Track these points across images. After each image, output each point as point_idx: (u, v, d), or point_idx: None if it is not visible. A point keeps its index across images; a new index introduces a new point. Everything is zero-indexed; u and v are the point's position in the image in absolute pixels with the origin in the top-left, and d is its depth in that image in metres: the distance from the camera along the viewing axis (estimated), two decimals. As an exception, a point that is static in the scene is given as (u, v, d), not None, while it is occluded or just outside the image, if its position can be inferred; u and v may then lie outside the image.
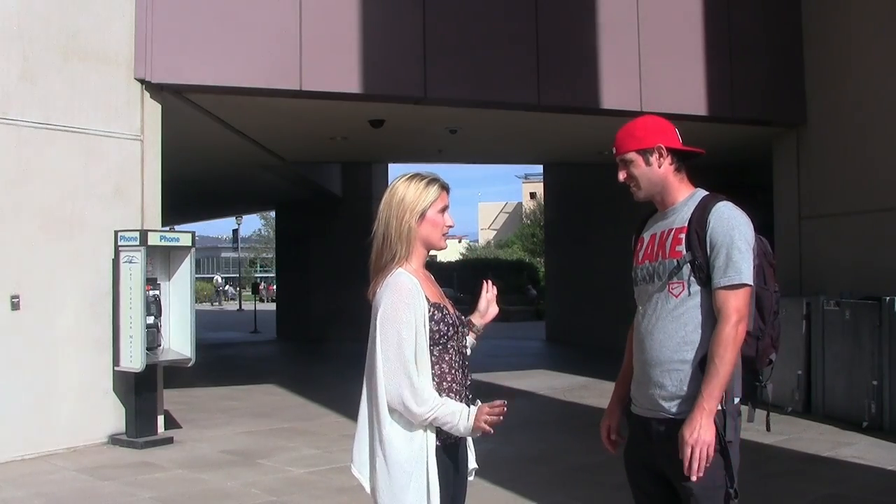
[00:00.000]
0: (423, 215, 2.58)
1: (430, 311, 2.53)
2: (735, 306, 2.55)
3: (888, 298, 7.73)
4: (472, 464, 2.75)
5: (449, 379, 2.57)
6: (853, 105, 9.69)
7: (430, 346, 2.52)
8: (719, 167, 12.16)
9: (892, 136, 9.14)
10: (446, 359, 2.57)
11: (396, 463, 2.45)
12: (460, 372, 2.62)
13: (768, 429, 3.25)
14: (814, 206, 10.34)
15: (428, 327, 2.51)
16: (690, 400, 2.57)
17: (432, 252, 2.79)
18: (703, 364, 2.58)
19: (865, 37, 9.52)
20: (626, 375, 2.91)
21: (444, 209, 2.64)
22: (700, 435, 2.49)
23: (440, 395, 2.53)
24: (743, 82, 10.04)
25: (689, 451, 2.50)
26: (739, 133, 10.78)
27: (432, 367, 2.53)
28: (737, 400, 2.63)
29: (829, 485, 6.05)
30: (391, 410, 2.47)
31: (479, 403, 2.56)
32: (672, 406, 2.63)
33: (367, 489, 2.55)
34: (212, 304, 29.52)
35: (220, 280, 48.05)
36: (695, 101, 9.74)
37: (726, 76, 9.96)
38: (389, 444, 2.46)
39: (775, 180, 11.11)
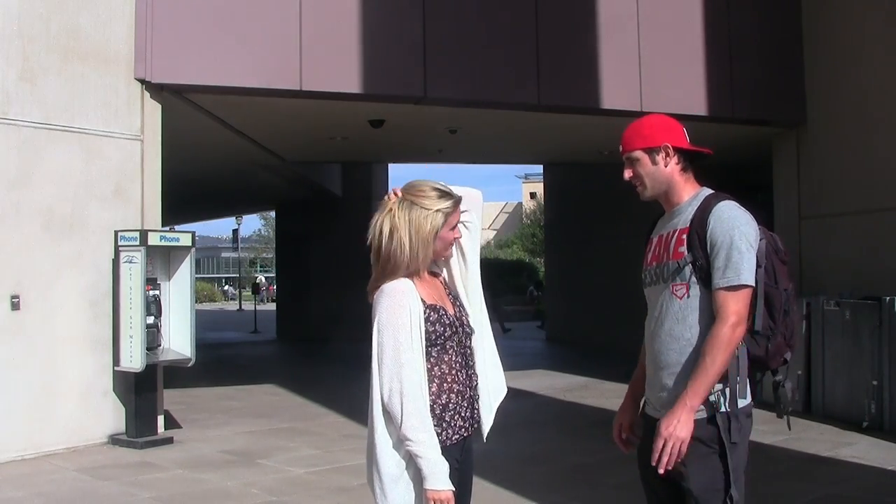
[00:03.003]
0: (437, 234, 2.57)
1: (425, 313, 2.53)
2: (734, 308, 2.50)
3: (888, 298, 7.73)
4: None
5: (450, 380, 2.57)
6: (853, 105, 9.69)
7: (428, 347, 2.53)
8: (719, 167, 12.09)
9: (892, 136, 9.14)
10: (445, 359, 2.57)
11: (386, 466, 2.46)
12: (463, 372, 2.61)
13: (789, 427, 3.16)
14: (814, 206, 10.33)
15: (424, 328, 2.52)
16: None
17: None
18: None
19: (865, 37, 9.52)
20: (641, 374, 2.89)
21: (455, 225, 2.63)
22: (676, 430, 2.47)
23: (441, 396, 2.54)
24: (743, 82, 10.04)
25: (660, 443, 2.48)
26: (739, 133, 10.78)
27: (432, 368, 2.54)
28: (745, 402, 2.59)
29: (829, 485, 6.05)
30: (384, 414, 2.48)
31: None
32: None
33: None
34: (256, 303, 29.36)
35: (262, 279, 47.90)
36: (695, 101, 9.74)
37: (726, 76, 9.96)
38: (380, 447, 2.47)
39: (775, 180, 11.11)
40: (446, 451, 2.50)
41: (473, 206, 2.76)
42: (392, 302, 2.49)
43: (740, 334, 2.51)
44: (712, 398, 2.55)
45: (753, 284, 2.54)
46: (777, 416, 2.78)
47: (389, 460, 2.46)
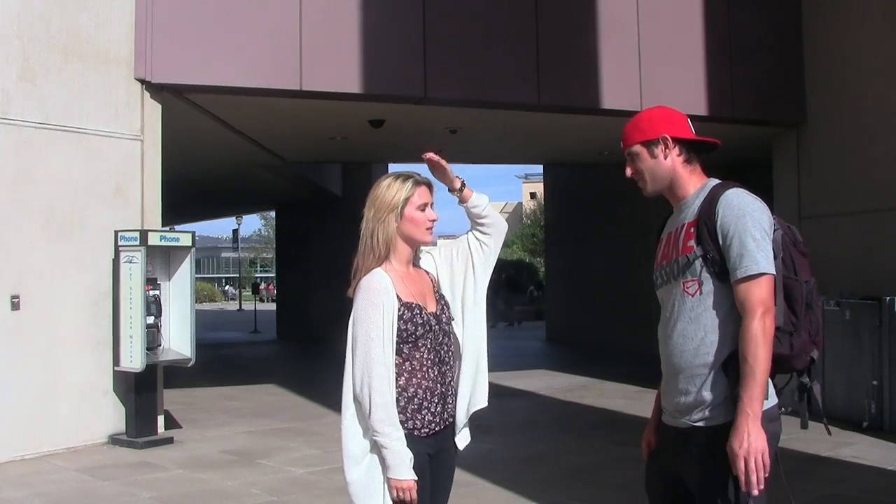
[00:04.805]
0: (401, 214, 2.65)
1: (399, 310, 2.60)
2: (758, 298, 2.31)
3: (888, 298, 7.73)
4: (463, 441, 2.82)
5: (419, 375, 2.64)
6: (853, 105, 9.69)
7: (400, 343, 2.61)
8: (719, 167, 12.12)
9: (892, 136, 9.14)
10: (417, 356, 2.64)
11: (350, 452, 2.61)
12: (434, 369, 2.67)
13: (829, 433, 2.88)
14: (814, 206, 10.34)
15: (396, 326, 2.59)
16: (712, 406, 2.41)
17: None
18: (725, 367, 2.39)
19: (865, 37, 9.52)
20: None
21: (424, 206, 2.69)
22: (751, 444, 2.28)
23: (407, 389, 2.62)
24: (743, 82, 10.04)
25: (741, 463, 2.28)
26: (739, 133, 10.77)
27: (402, 364, 2.63)
28: (766, 405, 2.39)
29: (829, 485, 6.04)
30: (355, 401, 2.61)
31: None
32: (694, 414, 2.46)
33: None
34: (265, 301, 30.60)
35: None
36: (695, 101, 9.73)
37: (726, 76, 9.96)
38: (345, 434, 2.62)
39: (775, 180, 11.11)
40: (416, 442, 2.59)
41: (497, 231, 2.84)
42: (367, 298, 2.59)
43: (771, 324, 2.32)
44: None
45: (773, 273, 2.36)
46: (801, 426, 2.62)
47: (352, 443, 2.61)
